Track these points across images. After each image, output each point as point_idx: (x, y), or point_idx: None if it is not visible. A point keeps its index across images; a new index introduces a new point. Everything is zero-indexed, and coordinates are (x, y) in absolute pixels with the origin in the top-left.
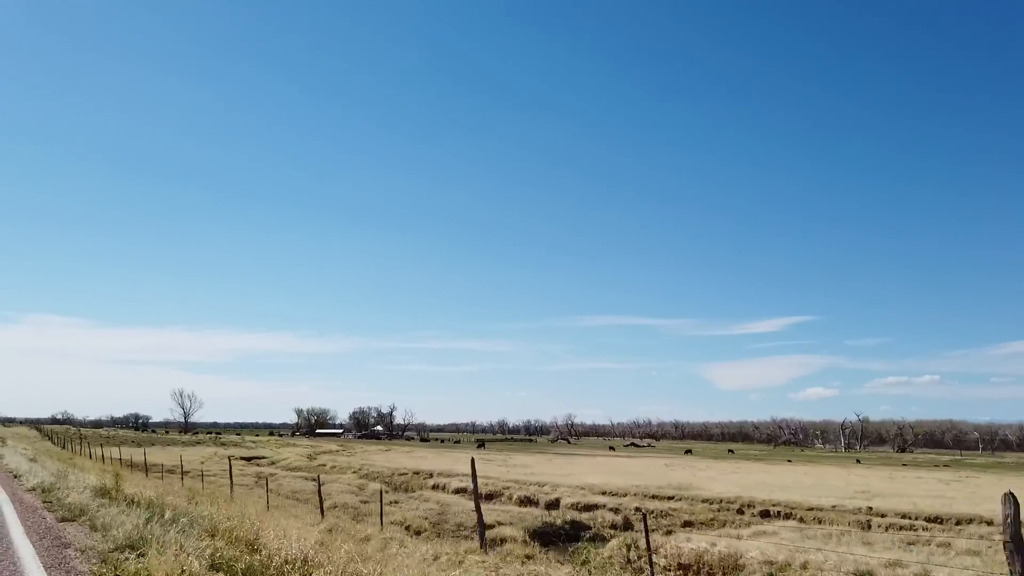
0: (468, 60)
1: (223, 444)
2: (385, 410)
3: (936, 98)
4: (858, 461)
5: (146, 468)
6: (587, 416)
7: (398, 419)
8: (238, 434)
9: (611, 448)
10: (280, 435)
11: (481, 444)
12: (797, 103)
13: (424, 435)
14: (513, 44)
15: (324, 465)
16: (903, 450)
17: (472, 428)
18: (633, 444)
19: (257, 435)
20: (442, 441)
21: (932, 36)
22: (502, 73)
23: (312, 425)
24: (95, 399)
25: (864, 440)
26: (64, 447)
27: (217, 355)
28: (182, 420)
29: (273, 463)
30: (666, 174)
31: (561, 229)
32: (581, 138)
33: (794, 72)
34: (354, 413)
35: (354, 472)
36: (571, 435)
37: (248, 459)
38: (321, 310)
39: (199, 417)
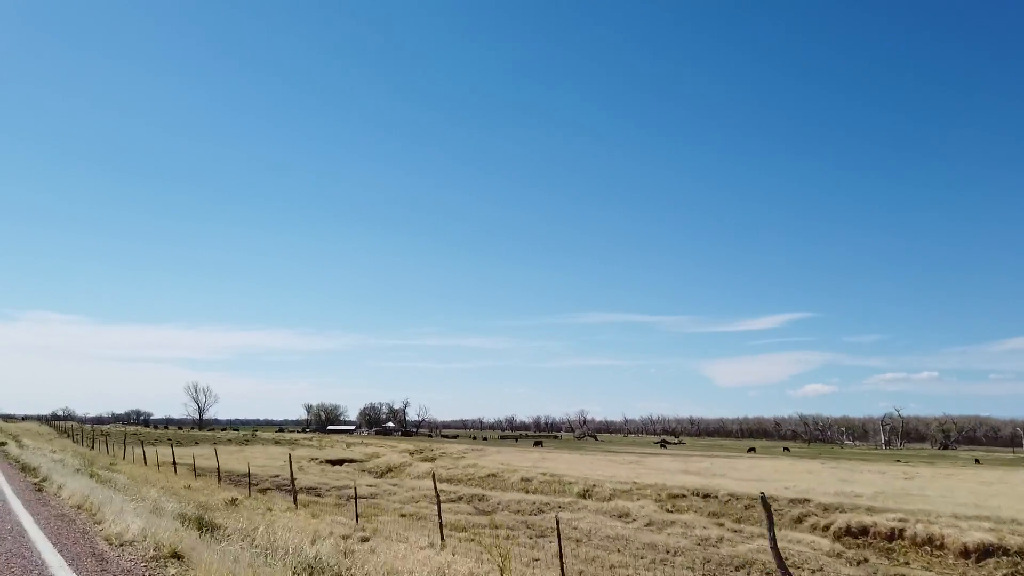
0: (465, 58)
1: (278, 443)
2: (397, 406)
3: (933, 96)
4: (977, 461)
5: (295, 492)
6: (584, 413)
7: (411, 415)
8: (255, 431)
9: (662, 445)
10: (298, 431)
11: (539, 442)
12: (794, 101)
13: (439, 432)
14: (509, 42)
15: (495, 475)
16: (945, 447)
17: (479, 424)
18: (664, 442)
19: (279, 431)
20: (474, 438)
21: (928, 34)
22: (501, 72)
23: (323, 421)
24: (94, 396)
25: (902, 437)
26: (93, 447)
27: (216, 352)
28: (192, 416)
29: (391, 470)
30: (664, 172)
31: (560, 226)
32: (580, 136)
33: (791, 71)
34: (364, 409)
35: (652, 496)
36: (586, 432)
37: (336, 462)
38: (320, 307)
39: (211, 413)
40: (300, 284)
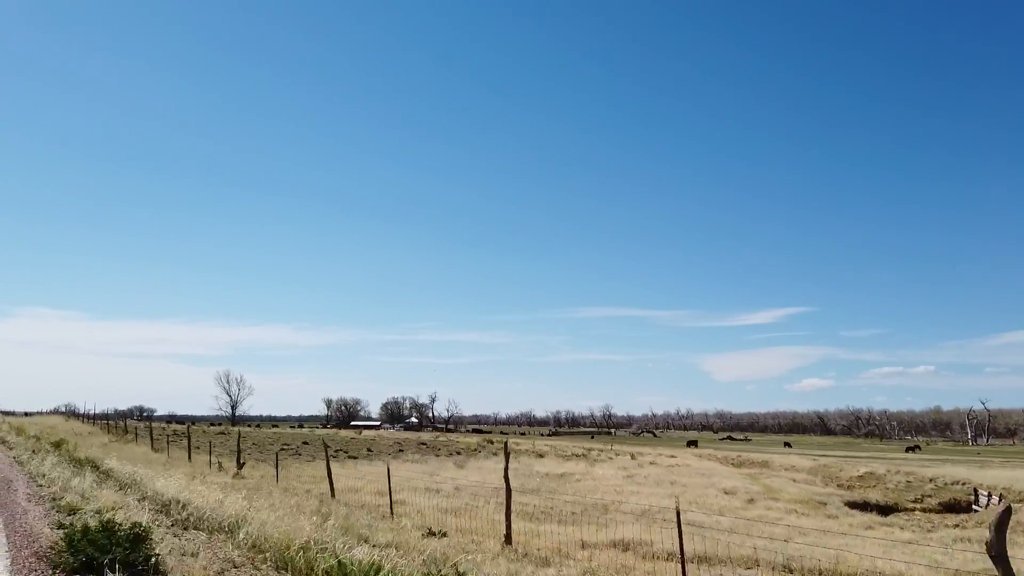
0: (464, 53)
1: (510, 451)
2: (422, 400)
3: (931, 90)
4: None
5: None
6: (581, 408)
7: (438, 410)
8: (275, 426)
9: (786, 445)
10: (326, 427)
11: (693, 442)
12: (793, 96)
13: (465, 427)
14: (505, 35)
15: None
16: None
17: (494, 420)
18: (729, 438)
19: (299, 426)
20: (552, 434)
21: (926, 28)
22: (499, 66)
23: (343, 417)
24: (92, 392)
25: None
26: (240, 465)
27: (213, 348)
28: (221, 410)
29: None
30: (663, 166)
31: (557, 221)
32: (578, 130)
33: (790, 65)
34: (386, 404)
35: None
36: (643, 428)
37: (868, 507)
38: (315, 302)
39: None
40: (296, 279)
